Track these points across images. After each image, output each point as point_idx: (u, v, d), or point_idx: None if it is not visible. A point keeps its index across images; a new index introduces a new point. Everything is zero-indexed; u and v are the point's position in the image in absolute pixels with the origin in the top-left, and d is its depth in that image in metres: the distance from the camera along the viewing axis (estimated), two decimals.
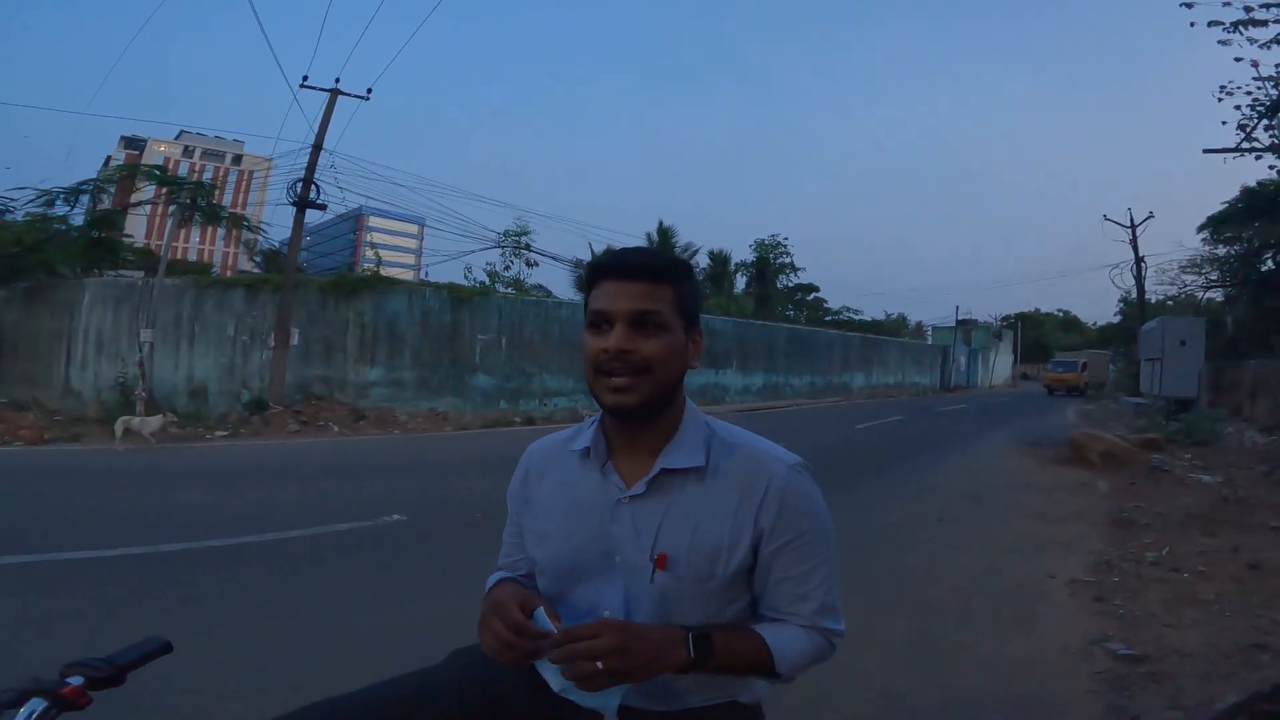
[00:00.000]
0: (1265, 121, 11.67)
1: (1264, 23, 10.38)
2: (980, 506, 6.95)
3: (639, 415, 1.03)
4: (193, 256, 51.16)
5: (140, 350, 12.47)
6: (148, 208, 17.57)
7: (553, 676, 0.95)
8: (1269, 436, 11.74)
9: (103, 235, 16.08)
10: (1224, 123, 11.87)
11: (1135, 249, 25.46)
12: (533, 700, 0.97)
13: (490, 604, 0.99)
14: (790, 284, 39.26)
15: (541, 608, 0.97)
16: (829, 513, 1.09)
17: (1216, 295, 24.17)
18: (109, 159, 50.83)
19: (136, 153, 63.53)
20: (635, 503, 1.05)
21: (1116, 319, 39.13)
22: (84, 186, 15.22)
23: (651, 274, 1.02)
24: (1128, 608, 3.86)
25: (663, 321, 1.01)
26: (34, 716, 0.73)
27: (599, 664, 0.88)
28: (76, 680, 0.77)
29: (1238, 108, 11.85)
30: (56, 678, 0.77)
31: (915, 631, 3.54)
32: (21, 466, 8.11)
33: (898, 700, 2.80)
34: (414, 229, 65.04)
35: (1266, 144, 11.77)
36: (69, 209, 15.18)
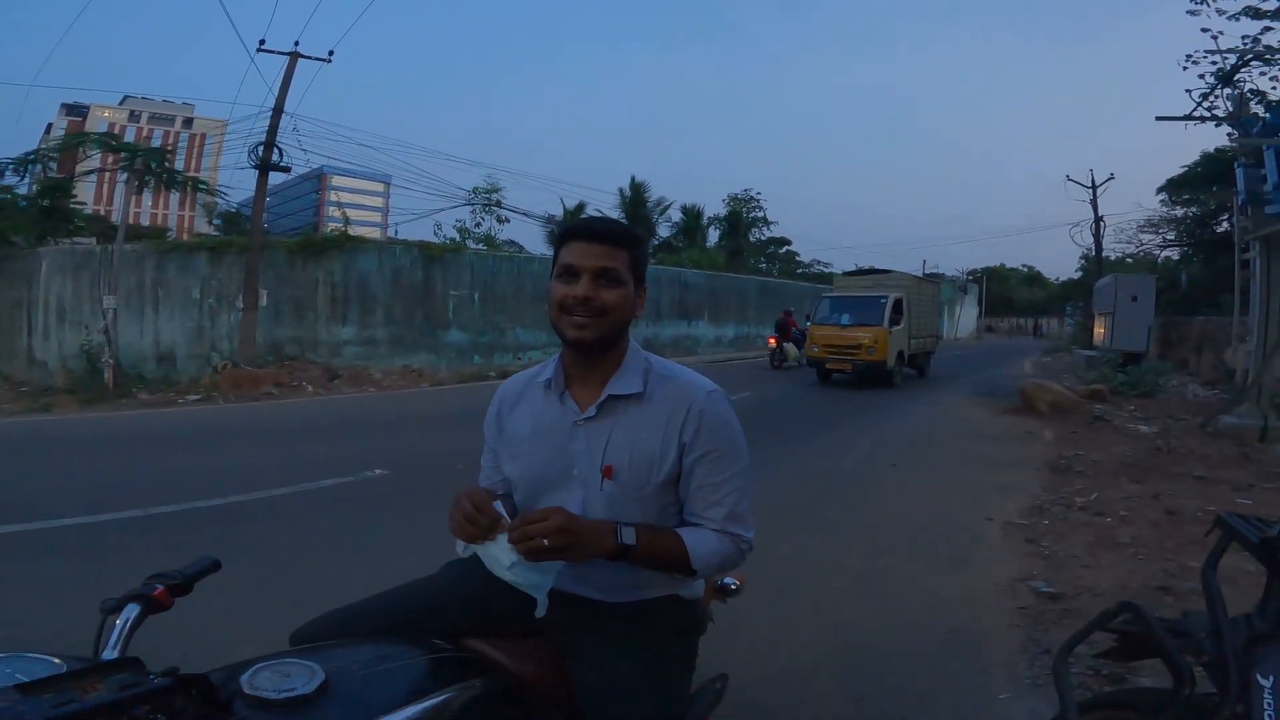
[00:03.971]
0: (1224, 90, 12.02)
1: None
2: (932, 453, 7.33)
3: (594, 349, 1.27)
4: (145, 221, 49.47)
5: (104, 317, 12.27)
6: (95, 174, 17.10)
7: (492, 562, 1.16)
8: (1210, 390, 12.37)
9: (53, 204, 15.68)
10: (1188, 91, 12.22)
11: (1095, 208, 26.12)
12: (510, 598, 1.20)
13: (461, 492, 1.21)
14: (763, 237, 39.41)
15: (499, 501, 1.20)
16: (743, 433, 1.32)
17: (1173, 254, 25.01)
18: (50, 127, 48.75)
19: (79, 120, 60.73)
20: (588, 424, 1.29)
21: (1077, 275, 40.04)
22: (32, 156, 14.73)
23: (613, 239, 1.27)
24: (1053, 549, 4.18)
25: (619, 277, 1.25)
26: (131, 618, 0.94)
27: (545, 541, 1.09)
28: (160, 587, 0.98)
29: (1201, 76, 12.19)
30: (145, 587, 0.98)
31: (865, 568, 3.86)
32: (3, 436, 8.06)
33: (845, 630, 3.09)
34: (380, 187, 63.44)
35: (1225, 112, 12.13)
36: (19, 179, 14.78)
